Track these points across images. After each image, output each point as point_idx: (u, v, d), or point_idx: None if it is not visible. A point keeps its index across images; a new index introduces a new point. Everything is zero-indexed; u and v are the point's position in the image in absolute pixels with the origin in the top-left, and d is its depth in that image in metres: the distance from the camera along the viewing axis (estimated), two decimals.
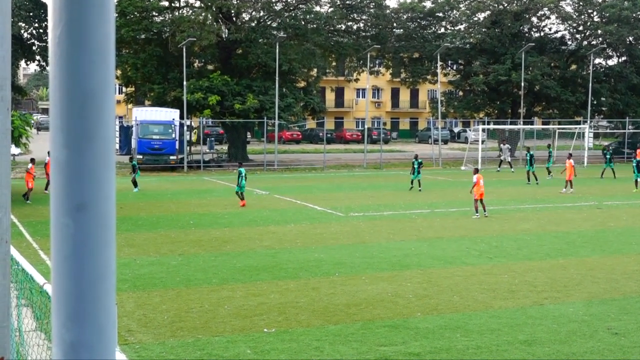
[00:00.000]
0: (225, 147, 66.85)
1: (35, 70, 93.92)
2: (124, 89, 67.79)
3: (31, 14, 53.77)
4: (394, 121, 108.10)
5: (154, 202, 34.51)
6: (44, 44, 56.80)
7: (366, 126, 66.98)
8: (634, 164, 41.92)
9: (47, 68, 58.21)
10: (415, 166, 39.61)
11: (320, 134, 74.17)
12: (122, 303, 15.80)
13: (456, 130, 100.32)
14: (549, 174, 47.28)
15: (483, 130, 62.71)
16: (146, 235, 25.30)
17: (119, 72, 58.07)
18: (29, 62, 62.67)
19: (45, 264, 19.28)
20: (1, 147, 3.33)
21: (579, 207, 33.69)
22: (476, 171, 30.34)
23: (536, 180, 44.41)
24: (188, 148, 56.64)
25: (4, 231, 3.44)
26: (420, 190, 38.93)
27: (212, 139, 69.02)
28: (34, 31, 55.95)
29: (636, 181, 41.00)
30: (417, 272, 19.84)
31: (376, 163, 58.48)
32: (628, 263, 21.25)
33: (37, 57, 58.31)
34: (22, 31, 54.64)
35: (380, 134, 70.91)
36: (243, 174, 33.04)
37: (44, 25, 55.73)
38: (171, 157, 52.05)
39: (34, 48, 56.81)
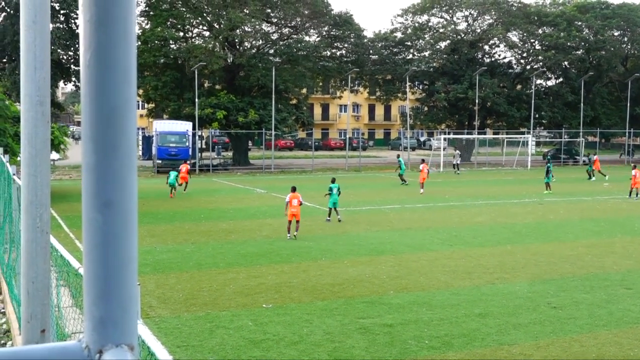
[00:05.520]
0: (230, 153, 66.74)
1: (71, 89, 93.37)
2: (145, 105, 67.53)
3: (68, 42, 53.47)
4: (370, 132, 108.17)
5: (171, 199, 34.39)
6: (79, 67, 56.39)
7: (347, 136, 67.02)
8: (546, 169, 39.96)
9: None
10: (334, 192, 26.36)
11: (310, 143, 74.09)
12: (144, 284, 15.74)
13: (422, 139, 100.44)
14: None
15: (444, 139, 62.89)
16: (165, 227, 25.21)
17: (141, 91, 57.90)
18: (66, 82, 62.31)
19: (80, 251, 19.17)
20: (42, 154, 3.31)
21: (524, 203, 33.78)
22: (293, 189, 23.20)
23: (404, 182, 42.58)
24: (199, 154, 56.49)
25: (44, 224, 3.41)
26: (340, 220, 26.29)
27: (220, 146, 68.87)
28: (70, 57, 55.63)
29: (547, 184, 39.21)
30: (390, 257, 19.85)
31: (356, 166, 58.48)
32: (564, 249, 21.32)
33: (73, 78, 57.97)
34: (61, 57, 54.32)
35: (359, 143, 70.96)
36: (172, 175, 35.04)
37: (79, 51, 55.43)
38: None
39: (70, 70, 56.46)
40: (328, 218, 26.75)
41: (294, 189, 23.35)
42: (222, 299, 15.02)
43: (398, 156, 46.93)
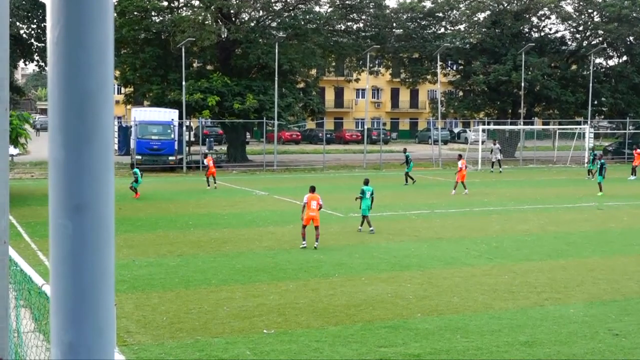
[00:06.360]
0: (224, 148, 66.83)
1: (33, 70, 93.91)
2: (122, 90, 67.78)
3: (30, 14, 53.79)
4: (393, 121, 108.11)
5: (153, 202, 34.49)
6: (43, 44, 56.86)
7: (366, 126, 67.01)
8: (598, 166, 40.22)
9: (45, 68, 58.31)
10: (367, 197, 26.04)
11: (320, 135, 74.18)
12: (120, 304, 15.78)
13: (456, 130, 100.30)
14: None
15: (483, 130, 62.72)
16: (145, 236, 25.28)
17: (117, 72, 58.04)
18: (27, 62, 62.68)
19: (44, 264, 19.27)
20: None
21: (580, 207, 33.66)
22: (312, 190, 23.33)
23: (413, 180, 43.47)
24: (187, 148, 56.60)
25: (2, 232, 3.43)
26: (360, 230, 26.42)
27: (211, 139, 68.98)
28: (32, 31, 55.97)
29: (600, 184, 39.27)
30: (417, 273, 19.83)
31: (376, 164, 58.43)
32: (628, 264, 21.23)
33: (36, 57, 58.32)
34: (21, 31, 54.66)
35: (380, 135, 70.99)
36: (139, 174, 36.10)
37: (42, 25, 55.78)
38: (170, 158, 52.05)
39: (32, 48, 56.82)
40: (371, 228, 25.96)
41: (312, 189, 23.32)
42: (214, 322, 15.05)
43: (405, 150, 47.00)
